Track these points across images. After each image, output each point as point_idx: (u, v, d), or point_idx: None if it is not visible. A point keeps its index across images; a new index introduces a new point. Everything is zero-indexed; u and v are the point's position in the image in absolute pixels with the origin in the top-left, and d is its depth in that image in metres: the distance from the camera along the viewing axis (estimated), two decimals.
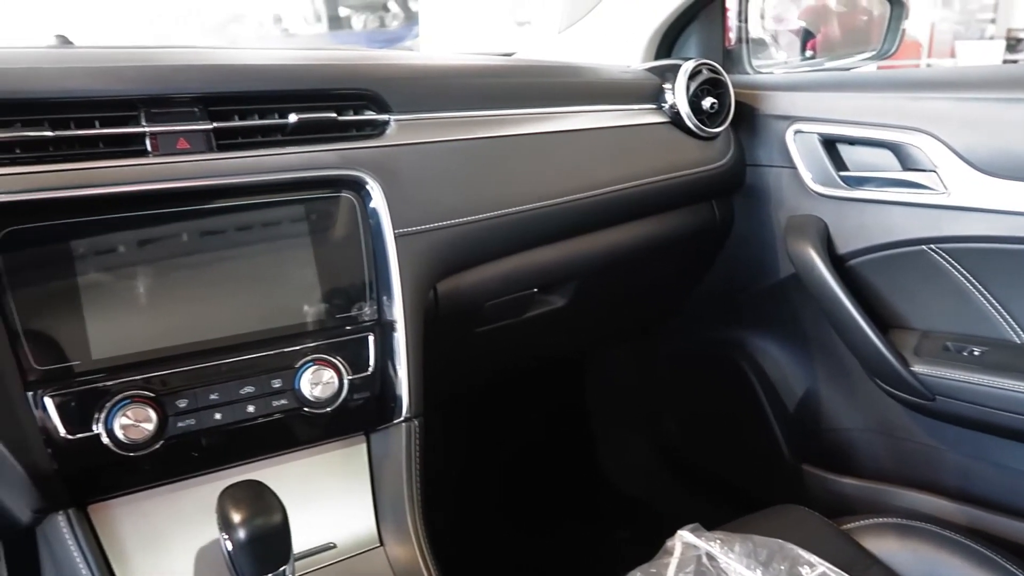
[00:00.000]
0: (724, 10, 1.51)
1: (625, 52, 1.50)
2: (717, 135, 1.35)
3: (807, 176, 1.33)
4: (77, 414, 0.79)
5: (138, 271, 0.84)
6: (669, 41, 1.50)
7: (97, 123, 0.83)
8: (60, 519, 0.83)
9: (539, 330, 1.38)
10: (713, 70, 1.34)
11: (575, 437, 1.98)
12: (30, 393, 0.78)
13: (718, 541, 1.02)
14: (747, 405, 1.60)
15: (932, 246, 1.22)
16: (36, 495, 0.80)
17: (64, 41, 1.17)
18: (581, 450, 1.98)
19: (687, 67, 1.31)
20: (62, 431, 0.79)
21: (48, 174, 0.79)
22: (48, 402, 0.78)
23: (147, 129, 0.85)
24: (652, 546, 1.05)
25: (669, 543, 1.06)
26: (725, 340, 1.63)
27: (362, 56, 1.17)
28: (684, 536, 1.05)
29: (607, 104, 1.25)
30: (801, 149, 1.33)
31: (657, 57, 1.50)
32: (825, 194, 1.32)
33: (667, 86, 1.32)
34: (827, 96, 1.32)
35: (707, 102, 1.32)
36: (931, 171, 1.19)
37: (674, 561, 1.02)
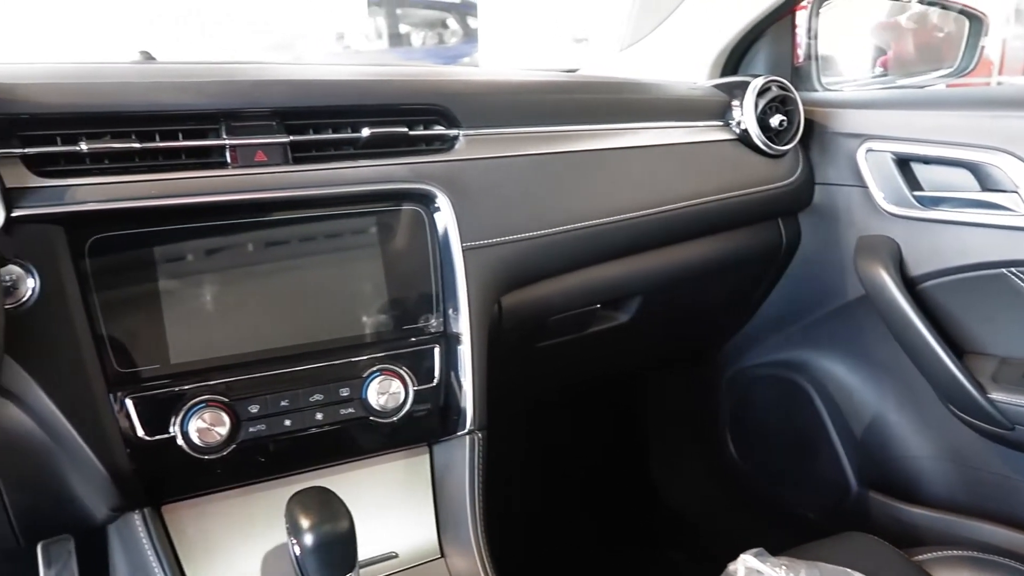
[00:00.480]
0: (794, 27, 1.49)
1: (690, 69, 1.49)
2: (785, 153, 1.33)
3: (879, 195, 1.30)
4: (155, 416, 0.82)
5: (215, 279, 0.86)
6: (736, 58, 1.48)
7: (180, 135, 0.87)
8: (136, 518, 0.85)
9: (601, 346, 1.38)
10: (782, 87, 1.32)
11: (632, 456, 1.96)
12: (112, 394, 0.81)
13: (783, 567, 1.00)
14: (812, 429, 1.56)
15: (1012, 269, 1.18)
16: (115, 494, 0.82)
17: (148, 57, 1.22)
18: (638, 470, 1.95)
19: (756, 84, 1.30)
20: (141, 432, 0.81)
21: (134, 184, 0.83)
22: (129, 403, 0.81)
23: (227, 142, 0.88)
24: (708, 570, 1.03)
25: (731, 567, 1.03)
26: (789, 361, 1.60)
27: (431, 72, 1.19)
28: (747, 560, 1.03)
29: (674, 120, 1.24)
30: (873, 168, 1.30)
31: (723, 74, 1.48)
32: (898, 214, 1.28)
33: (735, 103, 1.31)
34: (901, 114, 1.29)
35: (776, 119, 1.31)
36: (1012, 192, 1.15)
37: None
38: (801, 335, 1.57)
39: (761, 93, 1.30)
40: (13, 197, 0.76)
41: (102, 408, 0.80)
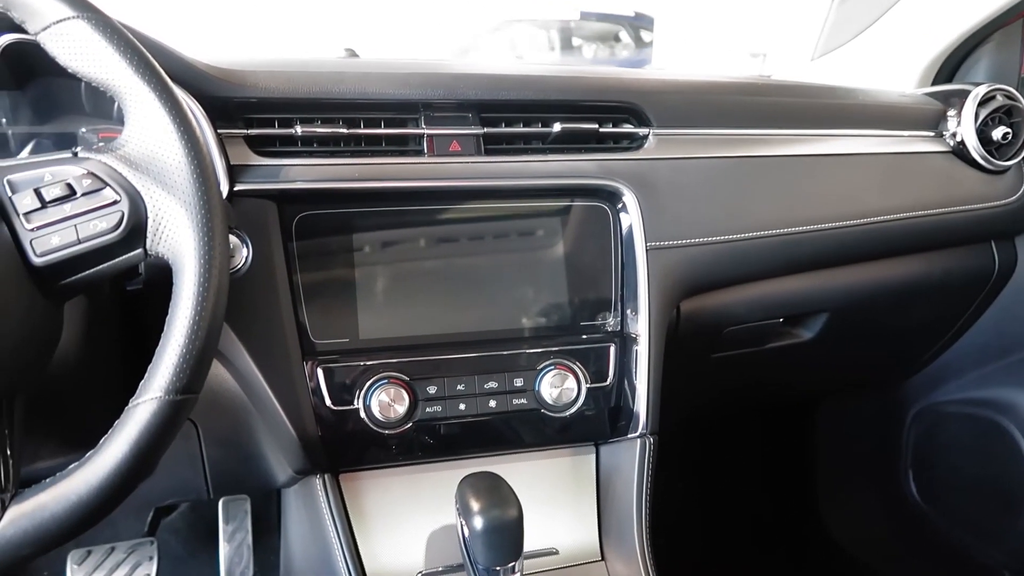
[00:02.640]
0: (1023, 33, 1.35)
1: (896, 78, 1.38)
2: (1007, 169, 1.20)
3: None
4: (342, 387, 0.86)
5: (404, 262, 0.90)
6: (952, 65, 1.36)
7: (383, 123, 0.91)
8: (317, 482, 0.90)
9: (779, 364, 1.31)
10: (1009, 96, 1.20)
11: (799, 485, 1.85)
12: (306, 363, 0.86)
13: None
14: (1014, 475, 1.40)
15: None
16: (300, 457, 0.87)
17: (352, 53, 1.30)
18: (804, 500, 1.84)
19: (978, 92, 1.18)
20: (328, 401, 0.86)
21: (339, 167, 0.88)
22: (320, 373, 0.86)
23: (425, 131, 0.91)
24: None
25: None
26: (991, 400, 1.45)
27: (622, 71, 1.18)
28: None
29: (879, 129, 1.16)
30: None
31: (936, 83, 1.37)
32: None
33: (951, 113, 1.20)
34: None
35: (998, 132, 1.18)
36: None
37: None
38: (1008, 372, 1.42)
39: (984, 102, 1.19)
40: (236, 173, 0.83)
41: (296, 375, 0.85)
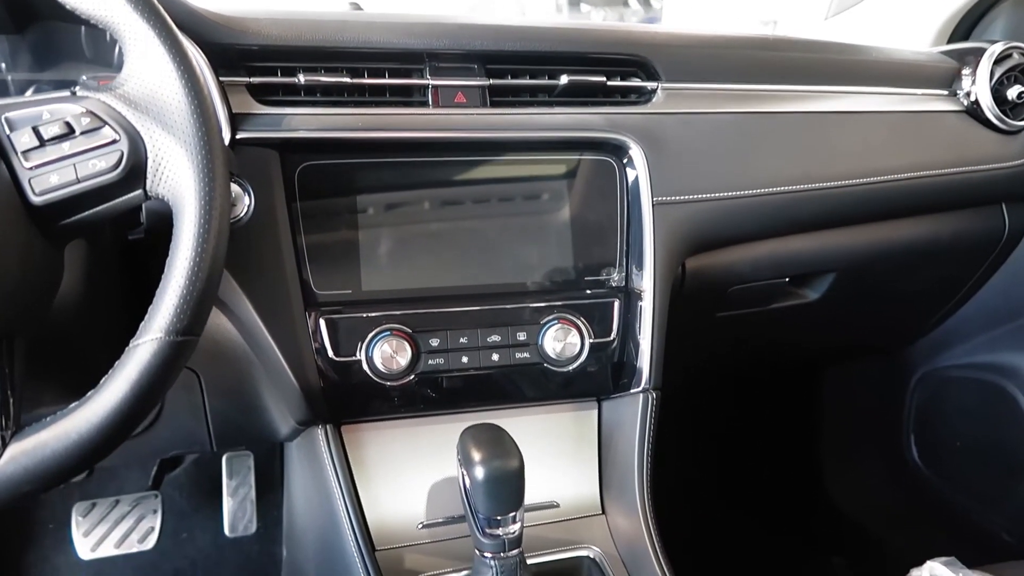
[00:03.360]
0: None
1: (912, 36, 1.36)
2: (1021, 129, 1.18)
3: None
4: (344, 338, 0.86)
5: (407, 214, 0.90)
6: (969, 24, 1.34)
7: (387, 74, 0.89)
8: (319, 432, 0.90)
9: (784, 325, 1.30)
10: None
11: (801, 450, 1.86)
12: (308, 313, 0.85)
13: None
14: (1017, 440, 1.40)
15: None
16: (303, 408, 0.87)
17: (356, 7, 1.28)
18: (806, 464, 1.85)
19: (994, 50, 1.16)
20: (330, 352, 0.86)
21: (342, 116, 0.87)
22: (322, 324, 0.85)
23: (430, 82, 0.90)
24: None
25: (915, 573, 0.95)
26: (997, 365, 1.44)
27: (632, 24, 1.16)
28: (935, 568, 0.93)
29: (891, 87, 1.13)
30: None
31: (950, 41, 1.34)
32: None
33: (966, 71, 1.17)
34: None
35: (1013, 91, 1.16)
36: None
37: None
38: (1014, 336, 1.41)
39: (999, 61, 1.16)
40: (238, 121, 0.82)
41: (299, 325, 0.85)
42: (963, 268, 1.35)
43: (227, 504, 1.50)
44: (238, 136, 0.82)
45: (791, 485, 1.86)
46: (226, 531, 1.49)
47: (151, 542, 1.43)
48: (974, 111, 1.17)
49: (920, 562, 0.94)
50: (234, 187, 0.80)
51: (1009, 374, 1.42)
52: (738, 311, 1.17)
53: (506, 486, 0.75)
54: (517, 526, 0.77)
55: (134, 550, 1.42)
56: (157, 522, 1.44)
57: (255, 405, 0.94)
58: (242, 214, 0.81)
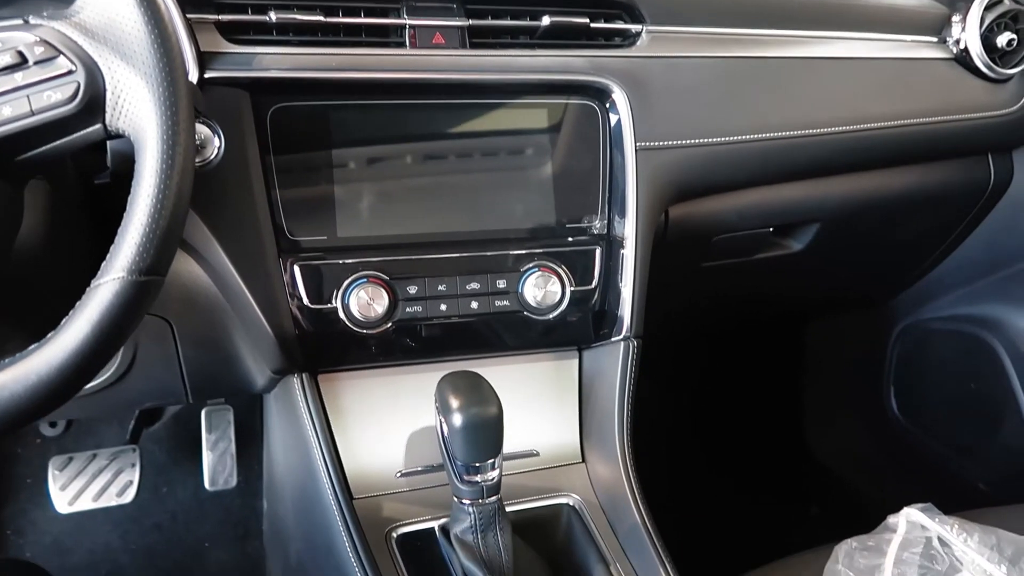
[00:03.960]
0: None
1: None
2: (1010, 77, 1.16)
3: None
4: (320, 286, 0.84)
5: (384, 159, 0.87)
6: None
7: (362, 13, 0.86)
8: (295, 381, 0.88)
9: (767, 276, 1.30)
10: (1017, 0, 1.15)
11: (782, 404, 1.87)
12: (282, 260, 0.83)
13: (954, 526, 0.91)
14: (996, 392, 1.41)
15: None
16: (278, 356, 0.85)
17: None
18: (787, 419, 1.86)
19: None
20: (305, 300, 0.84)
21: (316, 56, 0.83)
22: (296, 270, 0.83)
23: (407, 22, 0.87)
24: (846, 528, 0.95)
25: (892, 519, 0.95)
26: (977, 317, 1.44)
27: None
28: (911, 515, 0.94)
29: (880, 32, 1.10)
30: None
31: None
32: None
33: (955, 18, 1.15)
34: None
35: (1003, 38, 1.14)
36: None
37: (896, 538, 0.92)
38: (996, 288, 1.41)
39: (990, 7, 1.13)
40: (206, 59, 0.79)
41: (273, 272, 0.83)
42: (947, 220, 1.35)
43: (207, 458, 1.49)
44: (206, 75, 0.78)
45: (771, 437, 1.88)
46: (206, 485, 1.48)
47: (130, 496, 1.42)
48: (963, 59, 1.15)
49: (897, 510, 0.95)
50: (203, 128, 0.78)
51: (990, 326, 1.42)
52: (722, 261, 1.16)
53: (484, 433, 0.74)
54: (495, 473, 0.76)
55: (113, 503, 1.41)
56: (136, 476, 1.44)
57: (230, 355, 0.92)
58: (212, 156, 0.78)
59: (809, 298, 1.60)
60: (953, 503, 0.97)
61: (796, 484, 1.82)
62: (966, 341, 1.47)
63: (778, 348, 1.86)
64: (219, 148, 0.78)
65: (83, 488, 1.42)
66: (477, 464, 0.75)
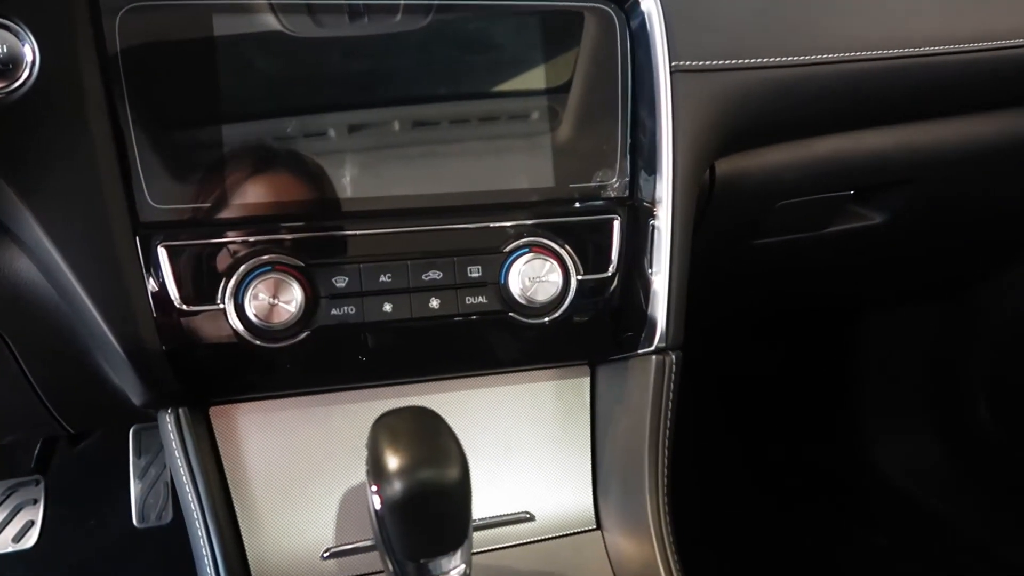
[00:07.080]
0: None
1: None
2: None
3: None
4: (198, 277, 0.61)
5: (295, 85, 0.63)
6: None
7: None
8: (168, 420, 0.65)
9: (839, 257, 1.08)
10: None
11: (838, 414, 1.68)
12: (140, 240, 0.60)
13: None
14: None
15: None
16: (138, 384, 0.62)
17: None
18: (844, 431, 1.67)
19: None
20: (176, 299, 0.60)
21: None
22: (162, 255, 0.61)
23: None
24: (922, 563, 0.71)
25: None
26: None
27: None
28: None
29: None
30: None
31: None
32: None
33: None
34: None
35: None
36: None
37: None
38: None
39: None
40: None
41: (123, 259, 0.60)
42: None
43: (135, 488, 1.26)
44: None
45: (826, 454, 1.68)
46: (134, 520, 1.24)
47: (31, 540, 1.18)
48: None
49: (982, 543, 0.73)
50: (5, 35, 0.56)
51: None
52: (782, 237, 0.93)
53: (436, 511, 0.51)
54: (457, 571, 0.52)
55: (9, 550, 1.17)
56: (39, 513, 1.19)
57: (98, 375, 0.69)
58: (18, 82, 0.56)
59: (884, 284, 1.38)
60: None
61: (860, 510, 1.62)
62: None
63: (830, 346, 1.66)
64: (32, 67, 0.57)
65: None
66: (424, 560, 0.51)
